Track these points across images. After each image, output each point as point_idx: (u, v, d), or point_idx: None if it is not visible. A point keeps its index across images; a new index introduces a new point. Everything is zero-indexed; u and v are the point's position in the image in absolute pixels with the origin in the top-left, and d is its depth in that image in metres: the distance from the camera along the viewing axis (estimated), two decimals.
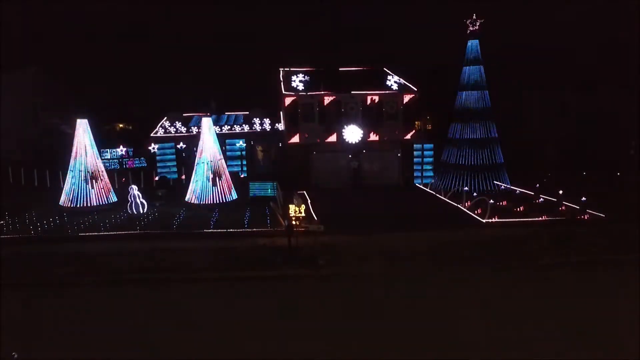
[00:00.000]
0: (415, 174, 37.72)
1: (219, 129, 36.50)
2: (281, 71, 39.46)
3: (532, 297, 16.27)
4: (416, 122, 40.92)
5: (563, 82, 43.66)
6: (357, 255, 20.14)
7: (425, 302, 16.03)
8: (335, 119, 36.13)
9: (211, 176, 28.89)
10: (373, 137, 36.52)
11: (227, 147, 36.84)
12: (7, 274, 18.09)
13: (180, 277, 18.26)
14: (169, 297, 16.74)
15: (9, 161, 36.32)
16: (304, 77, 37.45)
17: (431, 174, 37.23)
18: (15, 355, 8.97)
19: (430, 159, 37.69)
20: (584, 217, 25.18)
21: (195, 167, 29.64)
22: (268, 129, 38.11)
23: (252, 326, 14.30)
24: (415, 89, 37.01)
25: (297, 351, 12.76)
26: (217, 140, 29.95)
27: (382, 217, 26.38)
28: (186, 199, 29.48)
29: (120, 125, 55.42)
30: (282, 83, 37.55)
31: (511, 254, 20.34)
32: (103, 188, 29.29)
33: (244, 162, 37.48)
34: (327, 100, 36.03)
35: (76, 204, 28.27)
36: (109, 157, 35.34)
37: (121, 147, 36.28)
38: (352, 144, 36.30)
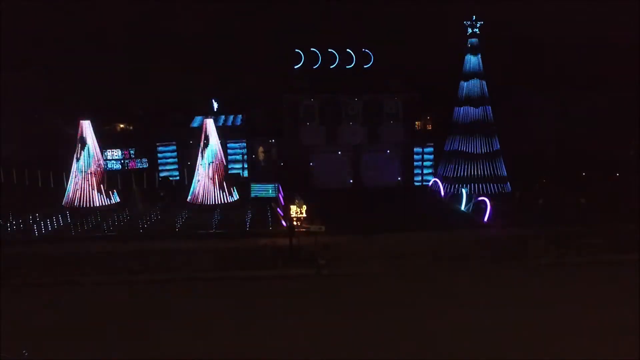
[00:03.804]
0: (415, 175, 37.83)
1: (220, 131, 36.58)
2: (282, 73, 39.55)
3: (530, 295, 16.49)
4: (416, 123, 41.07)
5: (563, 82, 43.68)
6: (358, 255, 20.39)
7: (425, 301, 16.26)
8: (336, 120, 36.27)
9: (212, 177, 29.08)
10: (373, 138, 36.64)
11: (229, 148, 36.96)
12: (11, 273, 18.33)
13: (183, 277, 18.53)
14: (170, 296, 16.99)
15: (13, 162, 36.50)
16: (305, 79, 37.54)
17: (431, 174, 37.29)
18: (26, 353, 9.22)
19: (431, 158, 37.80)
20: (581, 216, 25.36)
21: (196, 168, 29.84)
22: (269, 131, 38.21)
23: (253, 325, 14.55)
24: (416, 90, 37.13)
25: (298, 349, 13.00)
26: (218, 141, 30.14)
27: (382, 218, 26.57)
28: (188, 199, 29.68)
29: (121, 126, 55.44)
30: (283, 85, 37.69)
31: (511, 253, 20.56)
32: (105, 188, 29.53)
33: (245, 163, 37.60)
34: (328, 101, 36.16)
35: (79, 204, 28.53)
36: (111, 158, 35.57)
37: (123, 148, 36.49)
38: (352, 145, 36.47)
